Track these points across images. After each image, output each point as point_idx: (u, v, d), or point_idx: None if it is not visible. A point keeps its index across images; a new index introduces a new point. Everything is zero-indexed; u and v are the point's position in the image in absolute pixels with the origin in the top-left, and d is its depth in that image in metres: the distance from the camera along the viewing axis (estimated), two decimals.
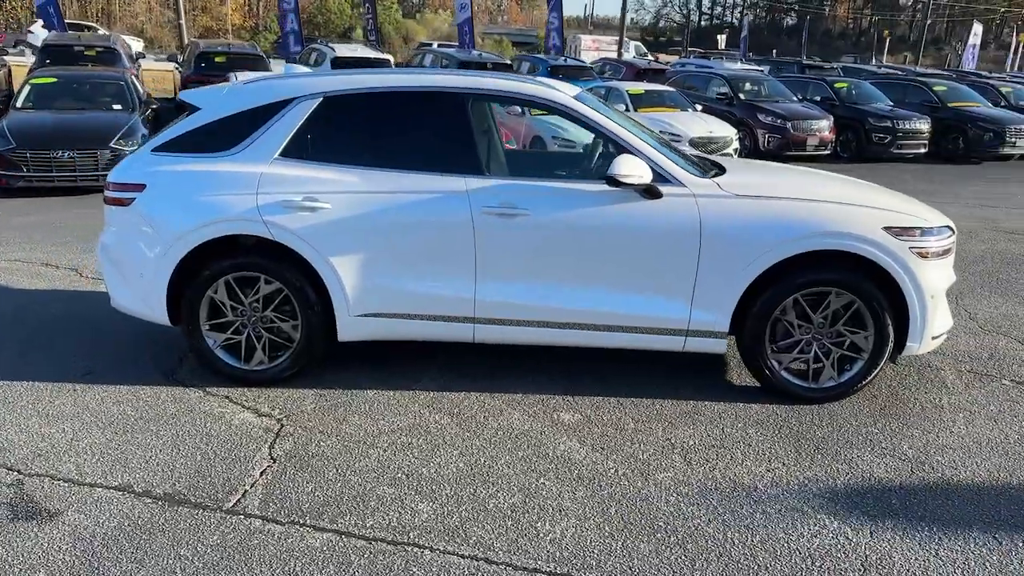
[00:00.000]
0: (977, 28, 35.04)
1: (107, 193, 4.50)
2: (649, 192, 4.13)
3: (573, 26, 78.83)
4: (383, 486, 3.44)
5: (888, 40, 35.06)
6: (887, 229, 4.12)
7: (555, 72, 18.62)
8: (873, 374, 4.27)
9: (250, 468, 3.57)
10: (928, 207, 4.52)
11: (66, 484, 3.41)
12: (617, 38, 48.18)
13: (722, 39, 56.98)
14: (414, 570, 2.88)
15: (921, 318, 4.18)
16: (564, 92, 4.45)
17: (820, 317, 4.22)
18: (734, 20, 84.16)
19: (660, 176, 4.16)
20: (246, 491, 3.38)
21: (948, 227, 4.33)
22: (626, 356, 4.77)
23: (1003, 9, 66.62)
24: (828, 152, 15.49)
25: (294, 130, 4.32)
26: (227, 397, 4.29)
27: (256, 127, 4.36)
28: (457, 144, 4.32)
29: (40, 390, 4.31)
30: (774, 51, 49.79)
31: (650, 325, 4.28)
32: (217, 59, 16.35)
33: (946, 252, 4.28)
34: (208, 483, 3.43)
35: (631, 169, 4.06)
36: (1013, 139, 16.42)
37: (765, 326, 4.23)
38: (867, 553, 3.02)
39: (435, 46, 27.01)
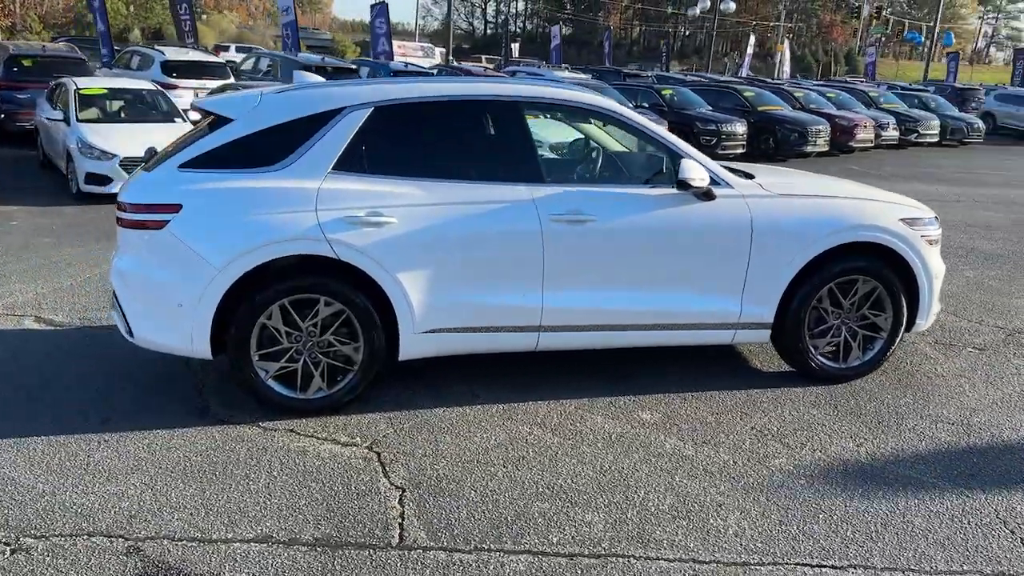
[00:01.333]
0: (752, 39, 39.03)
1: (126, 215, 4.00)
2: (706, 195, 4.34)
3: (359, 31, 77.89)
4: (537, 502, 3.37)
5: (669, 50, 38.13)
6: (903, 220, 4.62)
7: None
8: (891, 351, 4.76)
9: (384, 500, 3.35)
10: (914, 200, 5.09)
11: (195, 544, 3.03)
12: (421, 44, 48.43)
13: (516, 47, 58.93)
14: None
15: (928, 298, 4.73)
16: (614, 102, 4.56)
17: (848, 303, 4.65)
18: (517, 28, 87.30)
19: (712, 179, 4.39)
20: (401, 524, 3.18)
21: (936, 217, 4.92)
22: (642, 353, 4.90)
23: (772, 23, 74.26)
24: None
25: (347, 142, 4.08)
26: (292, 431, 3.97)
27: (304, 140, 4.07)
28: (518, 152, 4.29)
29: (63, 445, 3.75)
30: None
31: (705, 321, 4.49)
32: (27, 63, 14.60)
33: (939, 239, 4.86)
34: (353, 521, 3.19)
35: (697, 173, 4.25)
36: (814, 139, 18.48)
37: (806, 314, 4.58)
38: (995, 508, 3.42)
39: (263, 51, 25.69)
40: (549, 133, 5.65)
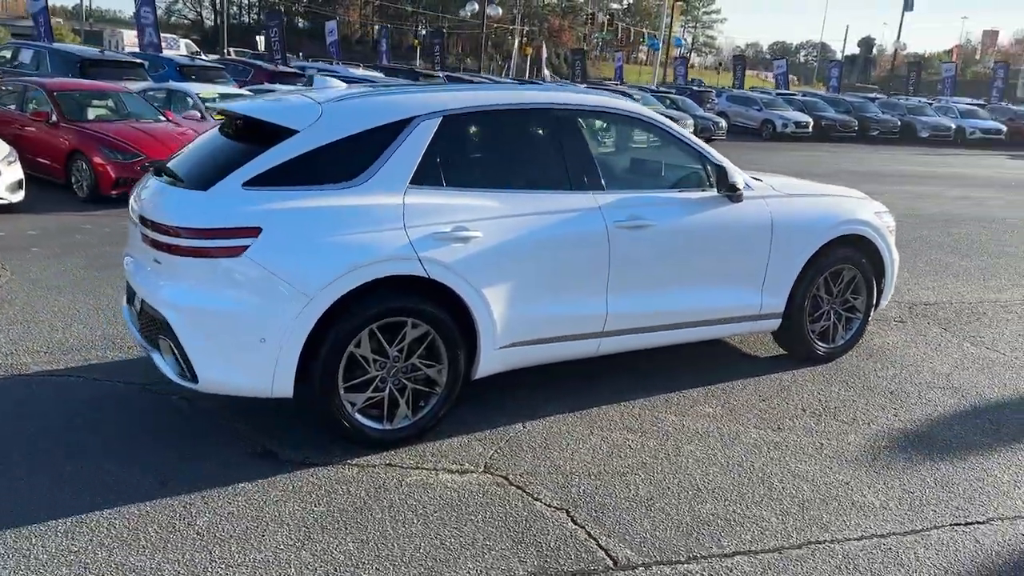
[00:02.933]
0: (516, 42, 40.68)
1: (184, 242, 3.47)
2: (737, 196, 4.64)
3: (59, 15, 69.87)
4: (697, 504, 3.44)
5: (443, 50, 38.65)
6: (875, 213, 5.26)
7: (186, 73, 17.01)
8: (865, 329, 5.40)
9: (559, 524, 3.25)
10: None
11: None
12: (162, 35, 44.48)
13: (261, 40, 56.28)
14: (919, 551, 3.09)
15: (891, 281, 5.42)
16: (653, 111, 4.69)
17: (837, 289, 5.19)
18: (251, 21, 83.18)
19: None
20: (600, 544, 3.11)
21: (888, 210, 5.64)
22: (650, 352, 5.04)
23: (508, 26, 77.03)
24: None
25: (422, 154, 3.84)
26: (390, 464, 3.68)
27: (379, 153, 3.77)
28: (580, 160, 4.29)
29: (145, 515, 3.20)
30: (299, 54, 50.38)
31: (735, 314, 4.80)
32: None
33: (895, 229, 5.57)
34: (551, 550, 3.07)
35: (740, 179, 4.55)
36: None
37: (807, 301, 5.05)
38: None
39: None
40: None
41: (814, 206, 5.01)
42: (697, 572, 2.98)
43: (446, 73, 28.22)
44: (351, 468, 3.65)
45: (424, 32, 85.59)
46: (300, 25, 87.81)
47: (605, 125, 4.40)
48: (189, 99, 12.93)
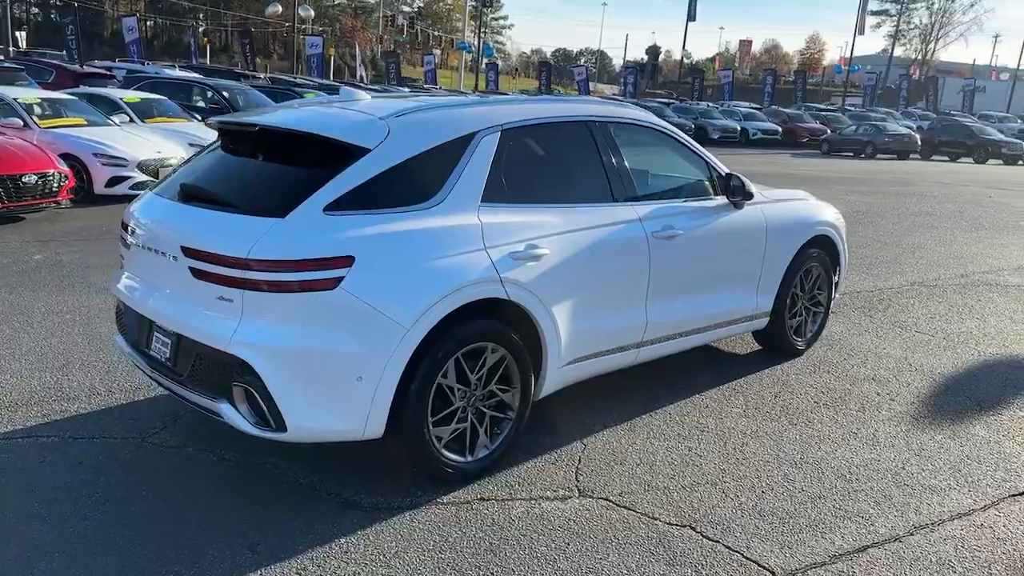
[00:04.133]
0: (317, 40, 39.33)
1: (277, 276, 3.07)
2: (741, 204, 4.83)
3: None
4: (810, 507, 3.55)
5: (252, 50, 36.46)
6: (834, 214, 5.68)
7: None
8: (826, 323, 5.81)
9: (714, 551, 3.23)
10: None
11: None
12: None
13: (22, 36, 50.73)
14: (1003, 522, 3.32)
15: (842, 275, 5.88)
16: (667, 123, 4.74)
17: (808, 285, 5.55)
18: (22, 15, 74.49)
19: None
20: (779, 562, 3.13)
21: None
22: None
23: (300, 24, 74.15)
24: None
25: (487, 170, 3.67)
26: (483, 499, 3.48)
27: (449, 170, 3.55)
28: (619, 171, 4.27)
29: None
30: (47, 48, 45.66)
31: (738, 316, 5.00)
32: None
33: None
34: (737, 572, 3.04)
35: (752, 187, 4.74)
36: None
37: (787, 299, 5.36)
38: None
39: None
40: None
41: (795, 210, 5.32)
42: (847, 571, 3.08)
43: (269, 75, 26.78)
44: (446, 507, 3.40)
45: (203, 28, 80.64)
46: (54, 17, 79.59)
47: (630, 136, 4.41)
48: (6, 105, 11.33)
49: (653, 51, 64.90)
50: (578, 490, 3.60)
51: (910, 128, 32.49)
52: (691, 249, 4.51)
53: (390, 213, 3.32)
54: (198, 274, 3.23)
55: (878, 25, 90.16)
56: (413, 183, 3.44)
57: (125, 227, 3.76)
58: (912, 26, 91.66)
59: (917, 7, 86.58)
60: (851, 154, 31.24)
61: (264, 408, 3.14)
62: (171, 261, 3.35)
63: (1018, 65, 64.06)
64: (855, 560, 3.14)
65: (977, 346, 5.97)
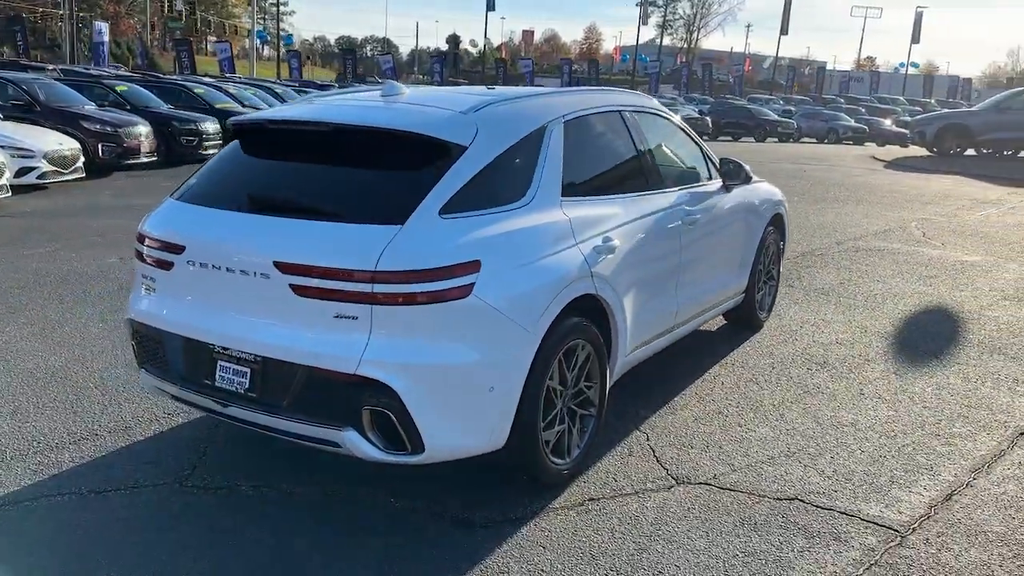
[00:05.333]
0: (103, 26, 35.63)
1: (411, 288, 2.83)
2: (732, 187, 5.06)
3: None
4: (905, 460, 3.81)
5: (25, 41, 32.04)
6: (781, 194, 6.07)
7: None
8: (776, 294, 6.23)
9: (839, 516, 3.37)
10: None
11: None
12: None
13: None
14: None
15: (786, 249, 6.31)
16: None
17: (766, 261, 5.90)
18: None
19: None
20: (903, 520, 3.32)
21: None
22: None
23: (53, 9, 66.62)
24: (157, 159, 15.02)
25: (561, 163, 3.58)
26: (594, 499, 3.43)
27: (533, 165, 3.44)
28: (651, 160, 4.32)
29: None
30: None
31: (728, 295, 5.23)
32: None
33: None
34: (872, 537, 3.19)
35: (749, 171, 4.98)
36: None
37: (756, 275, 5.67)
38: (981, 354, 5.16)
39: None
40: None
41: (760, 191, 5.63)
42: (952, 519, 3.34)
43: (62, 67, 23.86)
44: (566, 513, 3.31)
45: None
46: None
47: (646, 124, 4.44)
48: None
49: (454, 40, 65.23)
50: (674, 479, 3.62)
51: (702, 112, 35.10)
52: (704, 232, 4.66)
53: (495, 213, 3.16)
54: (304, 291, 2.89)
55: (640, 14, 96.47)
56: (507, 180, 3.30)
57: (158, 244, 3.28)
58: (678, 16, 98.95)
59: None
60: None
61: (400, 431, 2.88)
62: (257, 279, 2.98)
63: (777, 53, 71.29)
64: (950, 509, 3.42)
65: (897, 305, 6.64)
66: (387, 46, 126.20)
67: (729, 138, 34.30)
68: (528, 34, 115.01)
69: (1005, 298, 6.93)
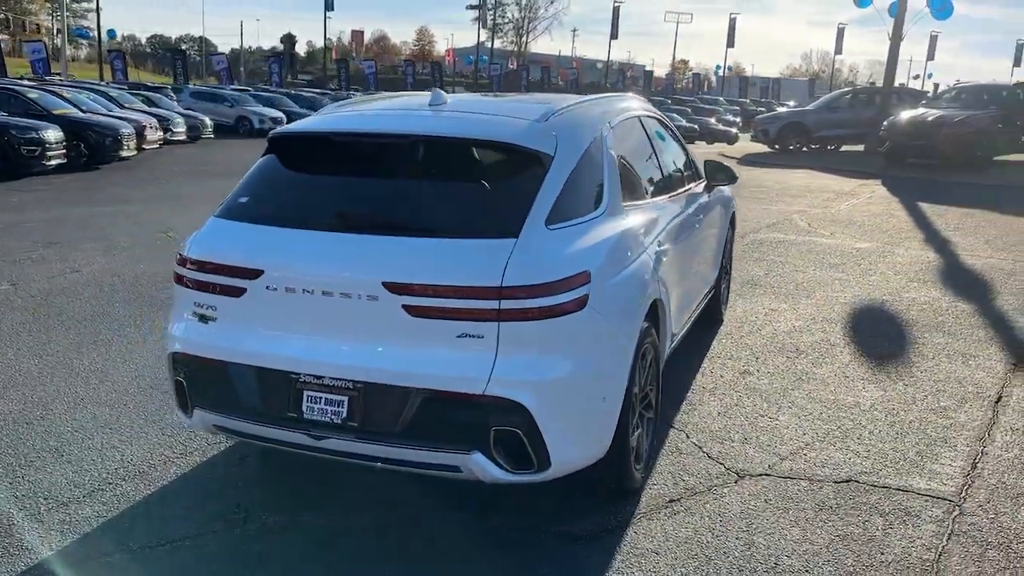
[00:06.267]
0: None
1: (535, 303, 2.76)
2: (713, 187, 5.27)
3: None
4: (917, 430, 4.09)
5: None
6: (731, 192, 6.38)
7: None
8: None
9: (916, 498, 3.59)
10: None
11: None
12: None
13: None
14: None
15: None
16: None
17: (726, 256, 6.17)
18: None
19: None
20: (982, 496, 3.57)
21: None
22: None
23: None
24: None
25: (617, 169, 3.60)
26: (674, 501, 3.49)
27: (600, 172, 3.45)
28: (663, 164, 4.41)
29: None
30: None
31: (707, 290, 5.43)
32: None
33: None
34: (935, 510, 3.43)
35: (736, 172, 5.20)
36: (127, 143, 17.52)
37: (721, 270, 5.92)
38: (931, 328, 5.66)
39: None
40: None
41: (724, 191, 5.88)
42: (994, 484, 3.66)
43: None
44: (660, 516, 3.33)
45: None
46: None
47: (651, 128, 4.52)
48: None
49: (289, 39, 62.82)
50: (736, 473, 3.73)
51: None
52: (701, 231, 4.83)
53: (586, 222, 3.14)
54: (421, 312, 2.75)
55: (477, 18, 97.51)
56: (586, 189, 3.28)
57: (225, 270, 3.00)
58: (507, 19, 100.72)
59: (508, 2, 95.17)
60: None
61: (529, 449, 2.80)
62: (362, 302, 2.80)
63: (608, 56, 74.02)
64: (981, 476, 3.75)
65: (827, 292, 7.15)
66: (204, 45, 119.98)
67: None
68: (358, 34, 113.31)
69: (911, 280, 7.64)
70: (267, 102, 32.31)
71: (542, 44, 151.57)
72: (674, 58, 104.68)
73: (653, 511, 3.37)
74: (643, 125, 4.28)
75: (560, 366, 2.82)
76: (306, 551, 3.05)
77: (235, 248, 3.02)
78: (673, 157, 4.81)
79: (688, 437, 4.10)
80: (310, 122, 3.48)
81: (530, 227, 2.86)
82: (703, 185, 5.13)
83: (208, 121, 26.28)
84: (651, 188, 4.09)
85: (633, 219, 3.53)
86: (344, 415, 2.88)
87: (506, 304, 2.71)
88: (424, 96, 3.73)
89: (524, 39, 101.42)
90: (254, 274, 2.94)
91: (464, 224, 2.88)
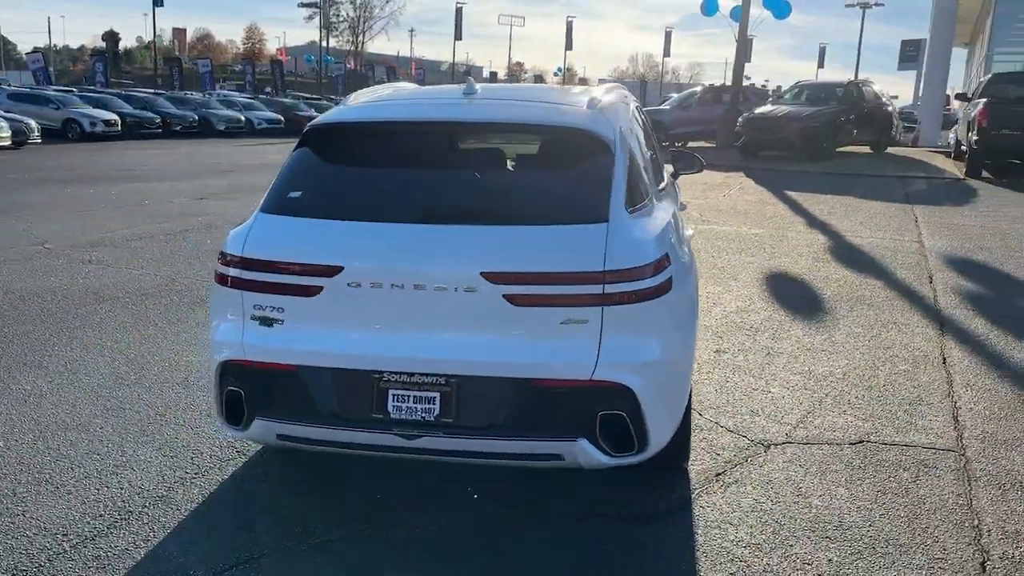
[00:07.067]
0: None
1: (635, 285, 2.78)
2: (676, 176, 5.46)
3: None
4: (923, 393, 4.41)
5: None
6: None
7: None
8: None
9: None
10: None
11: None
12: None
13: None
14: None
15: None
16: None
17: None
18: None
19: None
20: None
21: None
22: None
23: None
24: None
25: (641, 157, 3.67)
26: (723, 472, 3.61)
27: (638, 159, 3.49)
28: (654, 156, 4.51)
29: None
30: None
31: None
32: None
33: None
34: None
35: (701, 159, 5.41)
36: None
37: None
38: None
39: None
40: None
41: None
42: (979, 434, 4.05)
43: None
44: (713, 492, 3.43)
45: None
46: None
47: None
48: None
49: (111, 37, 57.94)
50: (761, 443, 3.90)
51: None
52: (680, 218, 4.99)
53: (647, 206, 3.21)
54: (523, 301, 2.70)
55: (310, 17, 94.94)
56: (637, 174, 3.32)
57: (297, 268, 2.81)
58: (342, 19, 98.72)
59: (343, 1, 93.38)
60: None
61: (632, 432, 2.81)
62: (459, 294, 2.71)
63: (453, 58, 74.02)
64: (966, 426, 4.12)
65: (751, 274, 7.55)
66: (2, 43, 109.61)
67: None
68: (181, 32, 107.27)
69: (817, 260, 8.22)
70: (96, 103, 29.97)
71: (379, 44, 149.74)
72: (510, 60, 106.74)
73: (705, 487, 3.46)
74: (638, 113, 4.38)
75: (655, 347, 2.85)
76: (389, 557, 2.91)
77: (307, 245, 2.83)
78: (657, 145, 4.94)
79: (701, 415, 4.23)
80: (359, 112, 3.29)
81: (616, 211, 2.87)
82: (671, 173, 5.30)
83: (34, 125, 24.09)
84: (658, 175, 4.19)
85: (665, 204, 3.62)
86: (437, 412, 2.77)
87: (610, 288, 2.71)
88: (453, 86, 3.64)
89: (361, 38, 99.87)
90: (332, 271, 2.76)
91: (553, 210, 2.86)
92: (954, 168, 16.83)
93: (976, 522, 3.21)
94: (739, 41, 20.42)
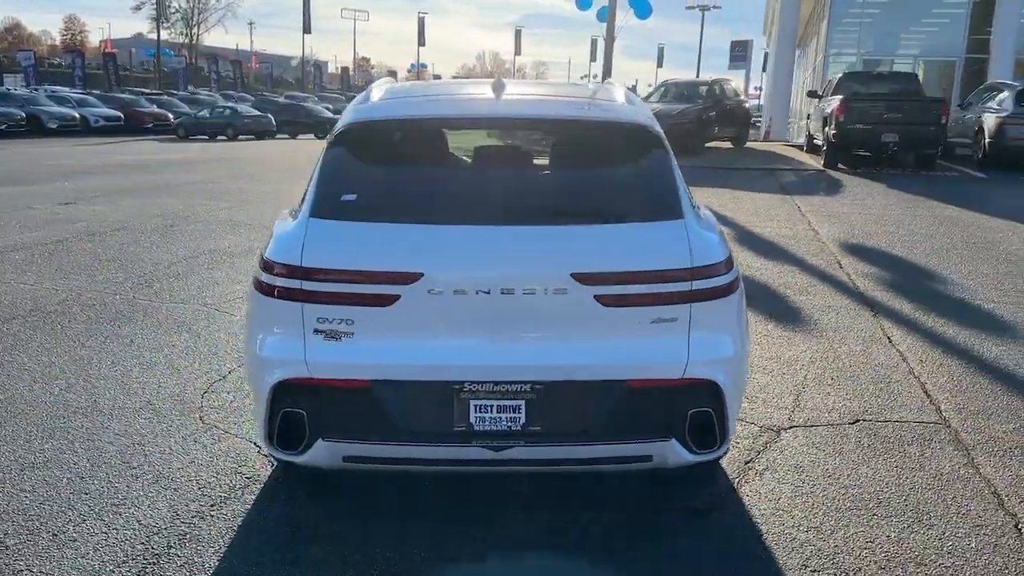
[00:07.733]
0: None
1: (718, 281, 2.79)
2: None
3: None
4: (927, 375, 4.64)
5: None
6: None
7: None
8: None
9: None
10: None
11: None
12: None
13: None
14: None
15: None
16: None
17: None
18: None
19: None
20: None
21: None
22: None
23: None
24: None
25: None
26: (753, 460, 3.69)
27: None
28: None
29: None
30: None
31: None
32: None
33: None
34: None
35: None
36: None
37: None
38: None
39: None
40: None
41: None
42: (960, 407, 4.34)
43: None
44: (751, 480, 3.49)
45: None
46: None
47: None
48: None
49: None
50: (771, 429, 4.01)
51: (265, 111, 34.25)
52: None
53: (697, 204, 3.20)
54: (615, 301, 2.64)
55: (139, 7, 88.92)
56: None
57: (371, 278, 2.60)
58: (174, 10, 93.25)
59: None
60: (207, 137, 31.40)
61: (716, 428, 2.81)
62: (548, 297, 2.61)
63: (303, 53, 71.63)
64: (947, 401, 4.40)
65: None
66: None
67: (287, 135, 34.04)
68: None
69: (736, 252, 8.56)
70: None
71: (216, 37, 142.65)
72: (355, 55, 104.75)
73: (741, 476, 3.51)
74: None
75: (731, 343, 2.86)
76: (460, 569, 2.76)
77: (379, 251, 2.62)
78: None
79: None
80: (403, 108, 3.07)
81: (687, 208, 2.86)
82: None
83: None
84: None
85: None
86: (523, 420, 2.65)
87: (697, 284, 2.70)
88: (477, 81, 3.50)
89: (196, 31, 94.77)
90: (411, 278, 2.58)
91: (631, 208, 2.81)
92: (811, 160, 18.09)
93: (993, 489, 3.44)
94: (607, 39, 20.98)
